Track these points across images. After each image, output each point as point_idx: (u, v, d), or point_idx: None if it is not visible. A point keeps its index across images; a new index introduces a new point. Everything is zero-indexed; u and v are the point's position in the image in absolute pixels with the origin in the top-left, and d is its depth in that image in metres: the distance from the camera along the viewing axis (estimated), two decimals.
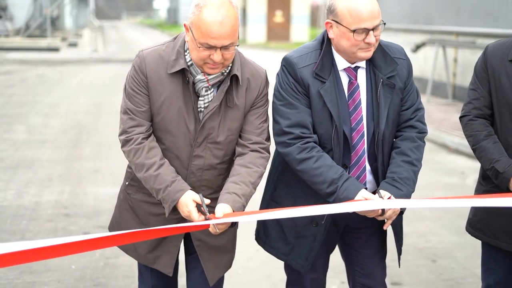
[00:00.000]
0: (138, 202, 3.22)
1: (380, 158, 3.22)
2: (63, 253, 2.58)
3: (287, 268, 3.53)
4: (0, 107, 13.33)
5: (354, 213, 3.19)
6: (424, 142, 3.31)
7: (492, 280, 3.60)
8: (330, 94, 3.13)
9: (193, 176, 3.10)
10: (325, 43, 3.19)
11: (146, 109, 3.03)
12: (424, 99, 12.33)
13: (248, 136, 3.12)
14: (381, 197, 3.04)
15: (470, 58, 14.03)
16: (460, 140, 10.18)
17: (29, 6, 32.60)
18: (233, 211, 2.91)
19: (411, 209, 5.86)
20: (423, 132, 3.30)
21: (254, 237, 3.54)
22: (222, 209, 2.88)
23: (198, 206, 2.91)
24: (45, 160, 8.94)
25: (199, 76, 2.98)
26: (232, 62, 3.03)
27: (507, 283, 3.61)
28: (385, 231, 3.47)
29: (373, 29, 3.03)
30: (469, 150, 9.62)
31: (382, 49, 3.22)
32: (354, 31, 3.02)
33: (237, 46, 2.94)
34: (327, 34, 3.18)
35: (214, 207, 2.93)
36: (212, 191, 3.15)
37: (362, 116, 3.19)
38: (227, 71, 3.02)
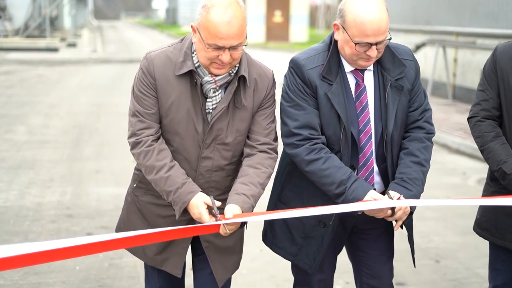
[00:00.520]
0: (146, 204, 3.22)
1: (389, 159, 3.22)
2: (71, 256, 2.56)
3: (295, 268, 3.53)
4: (0, 107, 13.32)
5: (362, 214, 3.19)
6: (432, 143, 3.31)
7: (499, 280, 3.60)
8: (338, 96, 3.13)
9: (202, 178, 3.10)
10: (332, 45, 3.19)
11: (155, 111, 3.03)
12: None
13: (256, 137, 3.12)
14: (390, 197, 3.04)
15: (470, 58, 14.05)
16: (461, 141, 10.19)
17: (28, 6, 32.54)
18: (242, 212, 2.92)
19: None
20: (431, 132, 3.31)
21: (258, 238, 3.55)
22: (232, 209, 2.88)
23: (209, 209, 2.91)
24: (46, 161, 8.94)
25: (207, 78, 2.99)
26: (239, 63, 3.03)
27: None
28: (392, 232, 3.48)
29: (376, 44, 3.03)
30: (470, 150, 9.65)
31: (390, 51, 3.22)
32: (356, 43, 3.02)
33: (246, 46, 2.94)
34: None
35: (223, 208, 2.92)
36: (220, 192, 3.15)
37: (369, 118, 3.19)
38: (234, 71, 3.03)
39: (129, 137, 3.07)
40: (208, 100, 3.02)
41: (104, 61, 24.87)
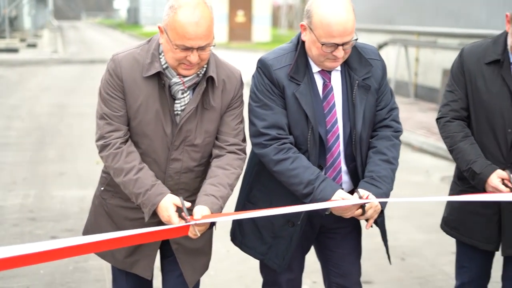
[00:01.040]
0: (114, 207, 3.18)
1: (359, 159, 3.24)
2: (38, 261, 2.48)
3: (264, 269, 3.53)
4: None
5: (330, 213, 3.20)
6: (400, 141, 3.33)
7: (466, 278, 3.66)
8: (305, 96, 3.14)
9: (171, 180, 3.08)
10: (300, 45, 3.19)
11: (123, 114, 3.00)
12: None
13: (225, 137, 3.11)
14: (360, 196, 3.05)
15: (431, 57, 14.22)
16: (424, 139, 10.30)
17: None
18: (211, 213, 2.90)
19: None
20: (398, 131, 3.33)
21: (224, 238, 3.54)
22: (201, 211, 2.86)
23: (179, 210, 2.88)
24: (8, 163, 8.79)
25: (175, 79, 2.96)
26: (207, 64, 3.02)
27: (480, 281, 3.67)
28: (360, 231, 3.50)
29: (342, 44, 3.04)
30: (432, 148, 9.77)
31: (357, 51, 3.24)
32: (323, 44, 3.03)
33: (214, 46, 2.93)
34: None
35: (192, 210, 2.90)
36: (190, 193, 3.13)
37: (337, 118, 3.20)
38: (202, 72, 3.01)
39: (97, 140, 3.03)
40: (176, 101, 3.00)
41: (65, 61, 24.59)
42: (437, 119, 3.60)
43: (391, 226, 6.47)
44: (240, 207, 3.45)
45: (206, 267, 3.34)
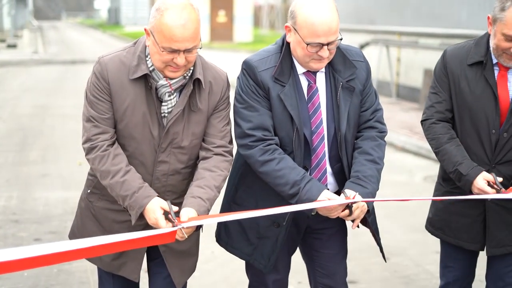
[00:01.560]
0: (101, 209, 3.18)
1: (344, 160, 3.26)
2: (18, 269, 2.43)
3: (250, 269, 3.54)
4: None
5: (316, 214, 3.21)
6: (385, 141, 3.36)
7: (451, 277, 3.69)
8: (290, 98, 3.16)
9: (158, 182, 3.08)
10: (285, 46, 3.21)
11: (110, 116, 3.00)
12: None
13: (212, 139, 3.12)
14: (347, 196, 3.07)
15: (413, 57, 14.30)
16: (406, 139, 10.36)
17: None
18: (198, 215, 2.90)
19: None
20: (383, 131, 3.35)
21: (209, 239, 3.54)
22: (187, 213, 2.86)
23: (166, 214, 2.88)
24: None
25: (162, 81, 2.96)
26: (194, 66, 3.02)
27: (465, 280, 3.71)
28: (346, 231, 3.52)
29: (327, 44, 3.06)
30: (415, 148, 9.83)
31: (342, 53, 3.25)
32: (307, 44, 3.05)
33: (200, 48, 2.93)
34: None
35: (178, 212, 2.90)
36: (177, 196, 3.13)
37: (321, 119, 3.22)
38: (189, 74, 3.01)
39: (84, 143, 3.02)
40: (163, 104, 3.00)
41: (46, 62, 24.46)
42: (422, 121, 3.62)
43: None
44: (225, 208, 3.46)
45: (193, 269, 3.34)
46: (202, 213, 2.93)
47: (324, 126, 3.22)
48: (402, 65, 14.85)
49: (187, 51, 2.85)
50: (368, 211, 3.21)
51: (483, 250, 3.60)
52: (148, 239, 2.78)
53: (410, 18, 14.58)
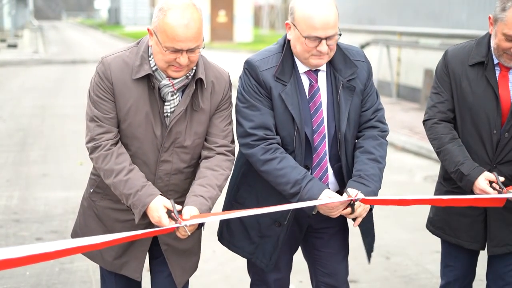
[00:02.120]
0: (104, 209, 3.19)
1: (343, 159, 3.27)
2: (22, 264, 2.46)
3: (252, 268, 3.55)
4: None
5: (317, 213, 3.22)
6: (386, 141, 3.36)
7: (451, 277, 3.70)
8: (291, 97, 3.17)
9: (161, 181, 3.09)
10: (286, 46, 3.22)
11: (113, 116, 3.01)
12: None
13: (214, 139, 3.13)
14: (349, 195, 3.08)
15: (413, 57, 14.31)
16: (406, 138, 10.37)
17: None
18: (200, 213, 2.91)
19: None
20: (385, 131, 3.36)
21: (210, 239, 3.55)
22: (189, 211, 2.88)
23: (168, 212, 2.89)
24: None
25: (165, 81, 2.98)
26: (196, 65, 3.04)
27: (465, 280, 3.72)
28: (347, 230, 3.53)
29: (326, 39, 3.07)
30: (415, 148, 9.84)
31: (342, 52, 3.27)
32: (306, 37, 3.06)
33: (203, 48, 2.94)
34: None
35: (181, 211, 2.92)
36: (179, 195, 3.15)
37: (323, 118, 3.23)
38: (192, 74, 3.03)
39: (88, 142, 3.04)
40: (166, 103, 3.01)
41: (47, 62, 24.46)
42: (424, 121, 3.63)
43: (376, 225, 6.48)
44: (227, 207, 3.47)
45: (195, 267, 3.35)
46: (204, 212, 2.94)
47: (325, 125, 3.24)
48: (402, 65, 14.85)
49: (190, 51, 2.87)
50: (370, 209, 3.22)
51: (483, 249, 3.61)
52: (149, 232, 2.81)
53: (410, 18, 14.59)
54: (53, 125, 11.75)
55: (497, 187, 3.31)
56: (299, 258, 3.70)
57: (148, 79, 2.99)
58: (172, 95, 3.00)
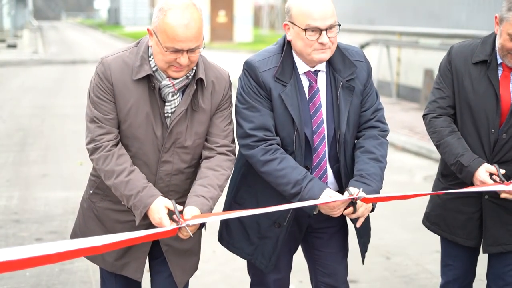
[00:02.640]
0: (104, 210, 3.18)
1: (342, 159, 3.27)
2: (22, 267, 2.44)
3: (251, 269, 3.55)
4: None
5: (318, 213, 3.22)
6: (387, 140, 3.36)
7: (451, 276, 3.70)
8: (291, 98, 3.17)
9: (162, 182, 3.09)
10: (286, 46, 3.22)
11: (114, 117, 3.00)
12: None
13: (215, 139, 3.13)
14: (351, 194, 3.07)
15: (413, 57, 14.31)
16: (406, 139, 10.37)
17: None
18: (201, 214, 2.91)
19: None
20: (385, 130, 3.36)
21: (210, 239, 3.54)
22: (190, 211, 2.88)
23: (170, 213, 2.89)
24: None
25: (165, 82, 2.97)
26: (196, 66, 3.03)
27: (465, 279, 3.72)
28: (347, 230, 3.53)
29: (326, 30, 3.07)
30: (415, 148, 9.84)
31: (341, 52, 3.26)
32: (305, 30, 3.06)
33: (203, 48, 2.94)
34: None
35: (181, 211, 2.91)
36: (180, 195, 3.14)
37: (322, 119, 3.23)
38: (192, 74, 3.02)
39: (88, 143, 3.03)
40: (166, 104, 3.01)
41: (46, 62, 24.45)
42: (424, 115, 3.63)
43: (375, 225, 6.45)
44: (227, 208, 3.47)
45: (195, 268, 3.35)
46: (205, 212, 2.94)
47: (324, 125, 3.23)
48: (402, 65, 14.85)
49: (190, 51, 2.86)
50: (372, 209, 3.22)
51: (479, 246, 3.61)
52: (150, 236, 2.80)
53: (410, 18, 14.59)
54: (53, 125, 11.75)
55: (497, 179, 3.30)
56: (299, 258, 3.70)
57: (148, 80, 2.99)
58: (172, 96, 3.00)
